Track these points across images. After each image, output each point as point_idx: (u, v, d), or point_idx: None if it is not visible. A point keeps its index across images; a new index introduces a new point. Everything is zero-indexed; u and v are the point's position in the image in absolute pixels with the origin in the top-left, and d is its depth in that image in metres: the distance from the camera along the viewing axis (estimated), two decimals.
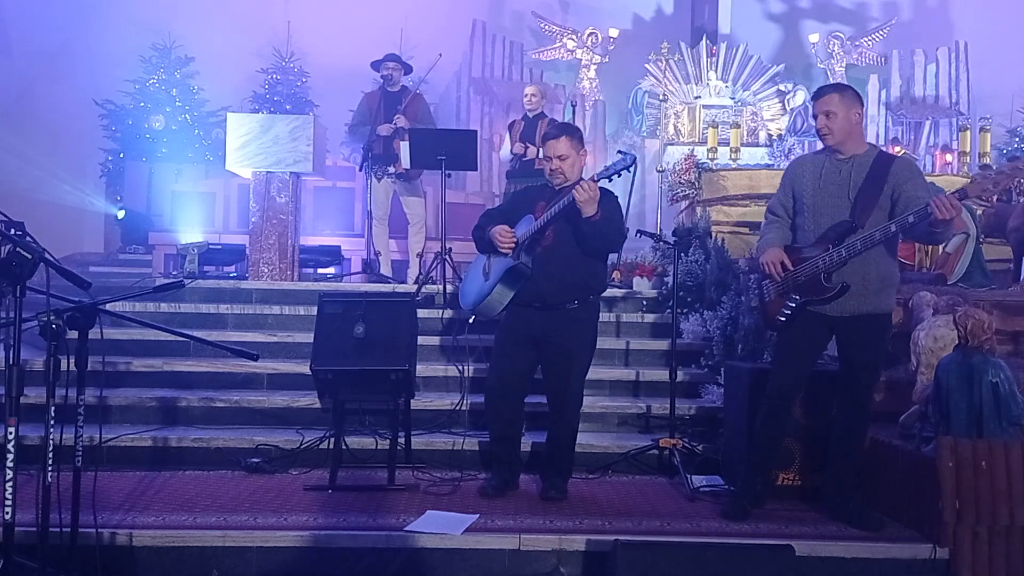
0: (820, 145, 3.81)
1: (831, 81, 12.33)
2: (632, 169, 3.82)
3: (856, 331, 3.67)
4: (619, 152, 3.95)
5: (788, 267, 3.67)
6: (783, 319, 3.70)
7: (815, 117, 3.74)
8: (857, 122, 3.67)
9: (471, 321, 4.18)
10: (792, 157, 7.51)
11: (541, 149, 4.95)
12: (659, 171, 8.10)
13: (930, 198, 3.40)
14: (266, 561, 3.37)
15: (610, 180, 3.83)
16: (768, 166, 8.93)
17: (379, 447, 4.56)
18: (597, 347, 5.69)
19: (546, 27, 12.46)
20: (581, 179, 4.09)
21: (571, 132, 4.08)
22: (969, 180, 3.52)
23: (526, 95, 7.37)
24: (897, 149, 9.81)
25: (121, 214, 9.66)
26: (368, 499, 3.95)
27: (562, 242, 3.90)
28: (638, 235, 5.89)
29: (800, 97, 11.71)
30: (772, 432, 3.85)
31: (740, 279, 5.57)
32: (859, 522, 3.64)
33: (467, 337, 5.25)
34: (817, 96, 3.73)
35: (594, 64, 12.31)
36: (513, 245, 3.93)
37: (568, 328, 4.00)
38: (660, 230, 6.94)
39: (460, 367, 5.17)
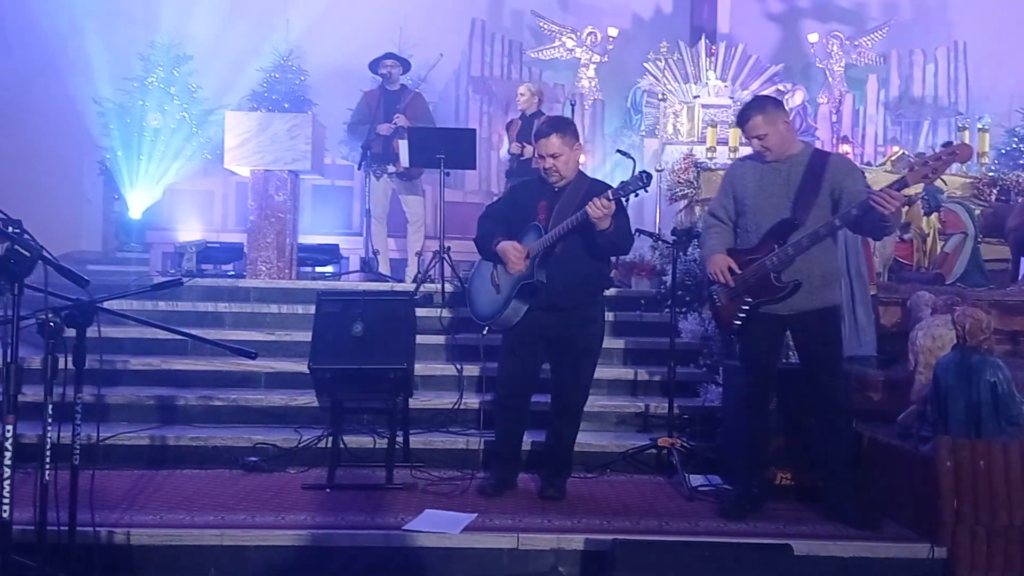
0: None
1: (830, 81, 12.38)
2: (647, 189, 3.78)
3: (808, 327, 3.75)
4: (625, 157, 3.93)
5: (736, 271, 3.71)
6: (739, 323, 3.75)
7: (748, 140, 3.78)
8: (787, 130, 3.73)
9: (485, 332, 4.18)
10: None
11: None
12: (658, 170, 8.08)
13: (871, 192, 3.50)
14: (264, 560, 3.37)
15: (627, 200, 3.79)
16: None
17: (377, 446, 4.55)
18: None
19: (545, 26, 12.45)
20: (583, 173, 4.09)
21: (562, 128, 3.98)
22: (908, 168, 3.56)
23: (518, 94, 7.36)
24: (895, 149, 9.81)
25: (138, 214, 9.67)
26: (366, 498, 3.95)
27: (571, 248, 3.89)
28: (637, 234, 5.88)
29: (799, 97, 11.69)
30: (756, 434, 3.91)
31: None
32: (857, 521, 3.64)
33: (466, 336, 5.25)
34: (741, 123, 3.77)
35: (593, 63, 12.29)
36: (525, 266, 3.89)
37: (580, 327, 4.02)
38: (659, 229, 6.93)
39: (458, 366, 5.16)
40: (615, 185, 3.79)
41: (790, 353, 4.33)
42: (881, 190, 3.44)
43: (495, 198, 4.80)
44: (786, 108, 3.90)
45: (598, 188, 4.00)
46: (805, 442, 4.02)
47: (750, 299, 3.70)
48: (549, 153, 3.93)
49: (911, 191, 5.81)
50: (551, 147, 3.92)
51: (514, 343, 4.07)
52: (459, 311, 5.58)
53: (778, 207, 3.69)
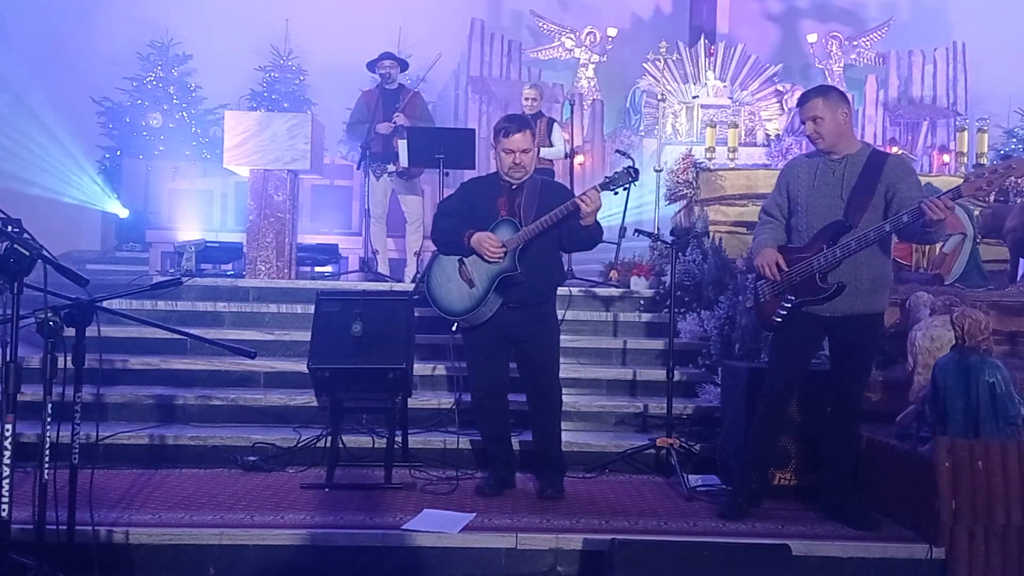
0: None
1: (829, 82, 12.37)
2: (636, 183, 3.88)
3: (849, 331, 3.69)
4: (623, 157, 3.95)
5: (783, 268, 3.68)
6: (779, 320, 3.71)
7: (803, 123, 3.75)
8: (845, 122, 3.67)
9: (455, 329, 4.15)
10: (790, 157, 7.52)
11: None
12: (657, 171, 8.10)
13: (924, 197, 3.41)
14: (263, 559, 3.37)
15: (615, 193, 3.91)
16: (766, 166, 8.94)
17: (376, 446, 4.55)
18: (594, 347, 5.77)
19: (544, 26, 12.46)
20: (541, 176, 4.14)
21: (528, 125, 4.12)
22: (963, 179, 3.52)
23: (525, 98, 7.35)
24: (894, 149, 9.82)
25: (125, 213, 9.66)
26: (365, 498, 3.95)
27: (537, 244, 3.93)
28: (636, 234, 5.89)
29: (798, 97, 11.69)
30: (768, 432, 3.87)
31: (737, 279, 5.57)
32: (856, 522, 3.65)
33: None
34: (802, 103, 3.74)
35: (592, 63, 12.31)
36: (503, 256, 3.90)
37: (541, 323, 4.06)
38: (658, 230, 6.94)
39: (457, 366, 5.16)
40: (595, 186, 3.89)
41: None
42: (933, 197, 3.37)
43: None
44: (850, 103, 3.81)
45: (553, 185, 4.23)
46: (812, 442, 4.02)
47: (792, 297, 3.66)
48: (521, 149, 3.97)
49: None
50: (524, 143, 3.98)
51: (480, 344, 4.06)
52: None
53: (830, 207, 3.64)
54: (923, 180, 6.95)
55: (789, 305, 3.67)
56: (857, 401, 3.79)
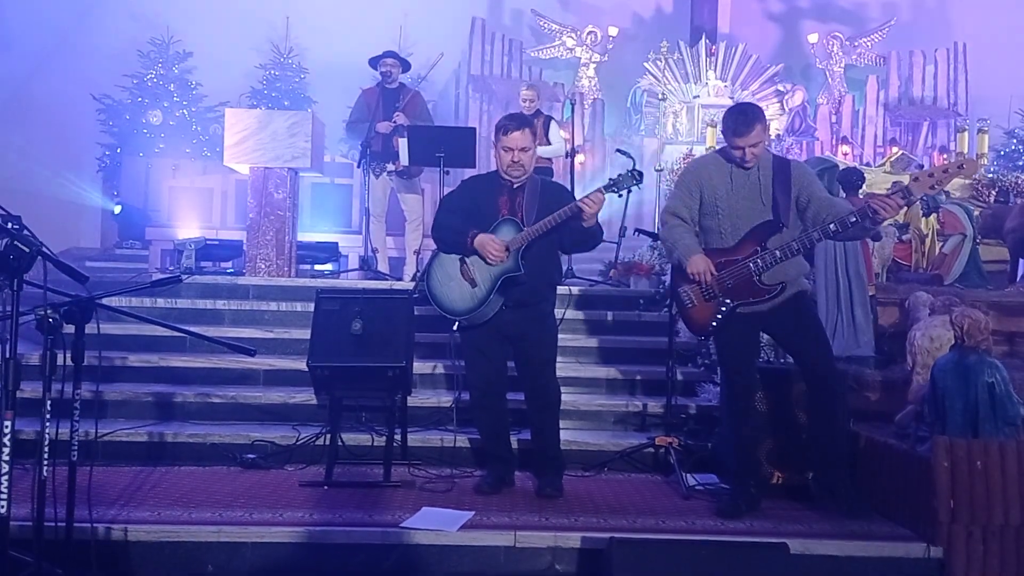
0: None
1: (830, 82, 12.40)
2: (640, 186, 3.89)
3: (785, 316, 3.75)
4: (624, 156, 3.96)
5: (713, 272, 3.70)
6: (715, 324, 3.74)
7: (739, 149, 3.67)
8: (768, 138, 3.75)
9: (456, 328, 4.13)
10: (790, 157, 7.52)
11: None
12: (657, 170, 8.10)
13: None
14: (261, 557, 3.37)
15: (619, 195, 3.92)
16: None
17: (375, 444, 4.55)
18: (594, 345, 5.77)
19: (545, 25, 12.46)
20: (535, 175, 4.13)
21: (528, 123, 4.11)
22: (912, 178, 3.57)
23: (523, 99, 7.35)
24: (895, 150, 9.83)
25: (117, 209, 9.65)
26: (364, 496, 3.95)
27: (537, 244, 3.92)
28: (636, 234, 5.90)
29: (799, 97, 11.72)
30: (747, 432, 3.91)
31: None
32: (846, 508, 3.67)
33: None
34: (743, 131, 3.62)
35: (593, 62, 12.32)
36: (505, 257, 3.89)
37: (539, 322, 4.06)
38: (658, 229, 6.95)
39: (456, 364, 5.16)
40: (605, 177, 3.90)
41: (776, 355, 4.35)
42: (886, 197, 3.46)
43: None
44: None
45: (553, 185, 4.25)
46: (797, 442, 4.03)
47: (729, 301, 3.69)
48: (520, 147, 3.97)
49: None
50: (524, 141, 3.98)
51: (479, 343, 4.05)
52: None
53: (753, 210, 3.69)
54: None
55: (725, 309, 3.70)
56: (831, 379, 3.76)
